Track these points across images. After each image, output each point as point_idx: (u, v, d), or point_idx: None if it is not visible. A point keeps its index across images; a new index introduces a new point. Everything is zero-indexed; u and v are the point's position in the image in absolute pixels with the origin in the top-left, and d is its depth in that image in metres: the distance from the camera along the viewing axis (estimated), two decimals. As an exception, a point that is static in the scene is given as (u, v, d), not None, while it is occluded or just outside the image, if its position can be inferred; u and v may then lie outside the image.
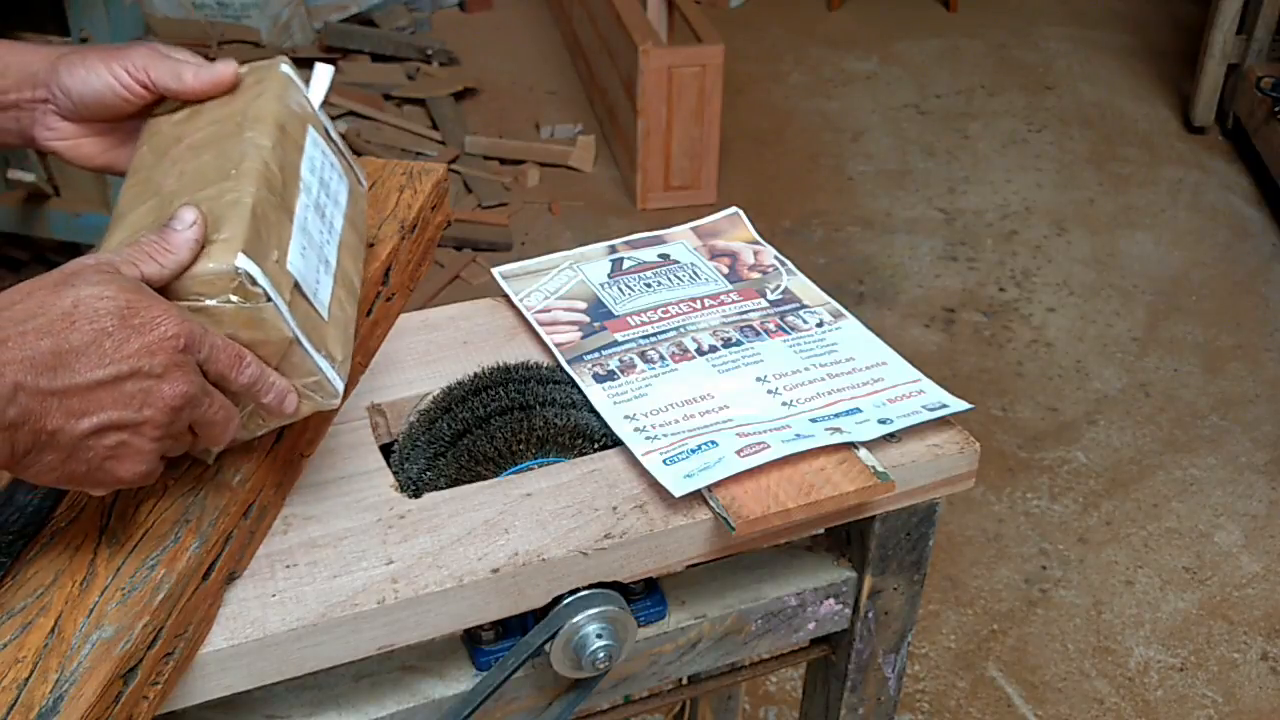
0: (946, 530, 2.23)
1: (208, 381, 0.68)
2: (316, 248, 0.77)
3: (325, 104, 0.89)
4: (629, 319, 1.01)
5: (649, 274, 1.06)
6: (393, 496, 0.83)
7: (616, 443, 0.88)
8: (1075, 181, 3.44)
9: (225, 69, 0.83)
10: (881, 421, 0.89)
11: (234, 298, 0.69)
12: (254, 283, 0.69)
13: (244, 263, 0.68)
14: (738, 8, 4.51)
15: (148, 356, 0.64)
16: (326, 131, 0.87)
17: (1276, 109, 3.22)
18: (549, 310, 1.02)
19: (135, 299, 0.64)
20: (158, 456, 0.68)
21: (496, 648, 0.84)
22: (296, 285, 0.73)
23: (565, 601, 0.81)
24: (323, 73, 0.88)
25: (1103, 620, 2.08)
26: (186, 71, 0.83)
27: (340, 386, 0.74)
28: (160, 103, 0.85)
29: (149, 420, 0.65)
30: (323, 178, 0.82)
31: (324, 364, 0.73)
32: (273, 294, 0.69)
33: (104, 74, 0.83)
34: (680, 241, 1.12)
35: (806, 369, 0.95)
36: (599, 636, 0.81)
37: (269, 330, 0.70)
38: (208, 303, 0.69)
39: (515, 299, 1.04)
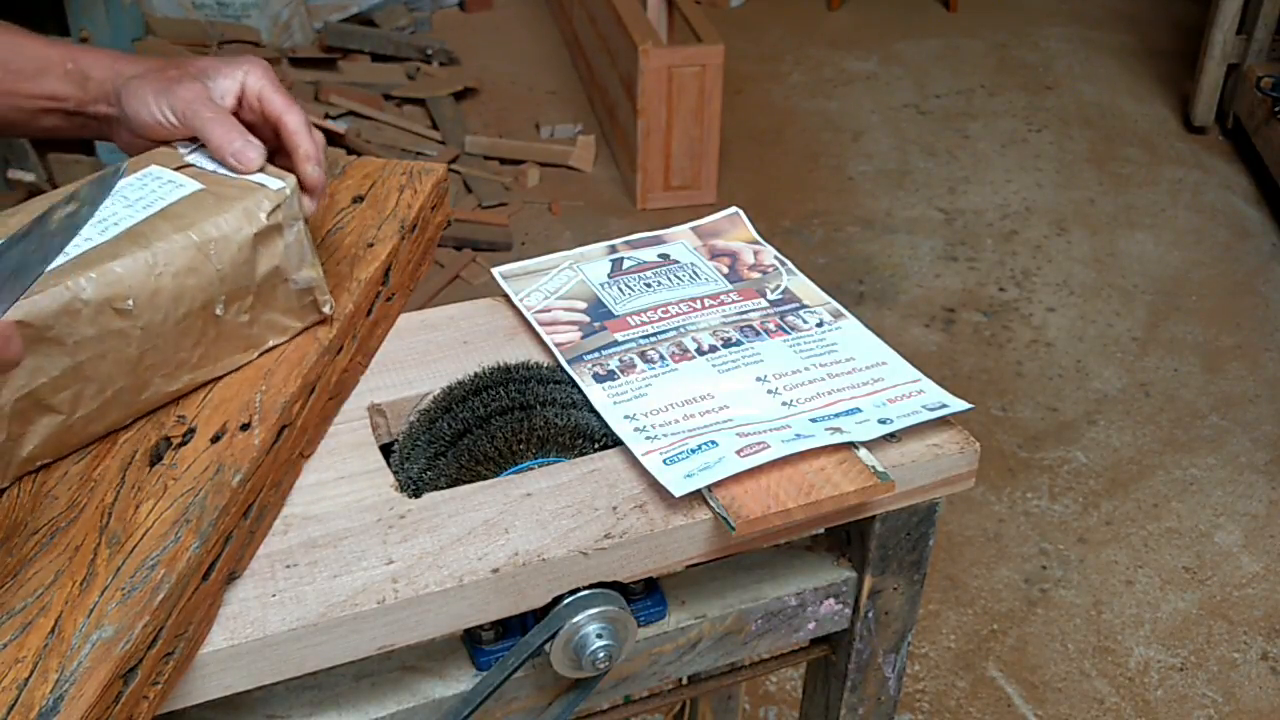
0: (946, 530, 2.23)
1: None
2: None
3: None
4: (629, 319, 1.00)
5: (649, 274, 1.06)
6: (393, 496, 0.83)
7: (616, 443, 0.88)
8: (1075, 181, 3.44)
9: (252, 160, 0.86)
10: (881, 421, 0.89)
11: None
12: None
13: None
14: (738, 8, 4.51)
15: None
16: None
17: (1276, 109, 3.22)
18: (549, 310, 1.02)
19: None
20: None
21: (496, 648, 0.84)
22: None
23: (565, 601, 0.81)
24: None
25: (1103, 620, 2.08)
26: (213, 134, 0.86)
27: None
28: None
29: None
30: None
31: None
32: None
33: (153, 109, 0.89)
34: (680, 241, 1.12)
35: (806, 369, 0.95)
36: (599, 636, 0.81)
37: None
38: None
39: (515, 299, 1.04)
